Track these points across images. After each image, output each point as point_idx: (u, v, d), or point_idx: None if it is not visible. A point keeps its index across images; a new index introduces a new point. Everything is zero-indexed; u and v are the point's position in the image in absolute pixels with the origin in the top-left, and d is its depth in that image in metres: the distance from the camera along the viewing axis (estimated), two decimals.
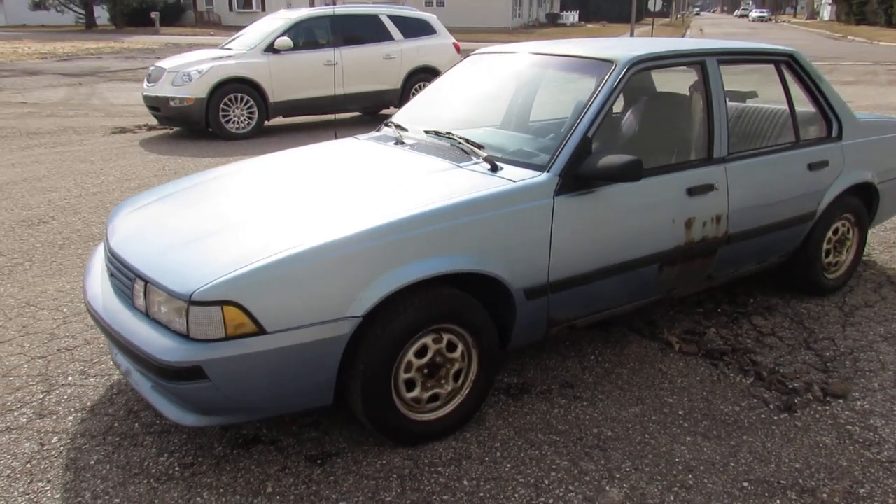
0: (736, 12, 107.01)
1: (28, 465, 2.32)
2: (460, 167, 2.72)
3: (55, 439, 2.47)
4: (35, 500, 2.16)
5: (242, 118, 8.94)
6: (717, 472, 2.33)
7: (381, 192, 2.55)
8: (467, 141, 2.86)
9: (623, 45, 3.12)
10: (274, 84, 9.05)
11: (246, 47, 9.27)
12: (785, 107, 3.60)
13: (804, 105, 3.60)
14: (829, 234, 3.65)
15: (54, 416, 2.61)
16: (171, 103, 8.66)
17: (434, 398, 2.45)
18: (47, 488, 2.21)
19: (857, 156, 3.61)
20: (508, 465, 2.35)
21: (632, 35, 29.85)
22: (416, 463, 2.36)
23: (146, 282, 2.19)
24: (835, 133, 3.57)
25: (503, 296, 2.51)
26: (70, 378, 2.89)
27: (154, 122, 9.33)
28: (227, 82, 8.74)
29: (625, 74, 2.82)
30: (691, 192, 2.93)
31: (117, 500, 2.16)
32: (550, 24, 48.39)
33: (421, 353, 2.37)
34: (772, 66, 3.45)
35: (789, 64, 3.46)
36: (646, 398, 2.78)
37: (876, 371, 2.98)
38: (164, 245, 2.36)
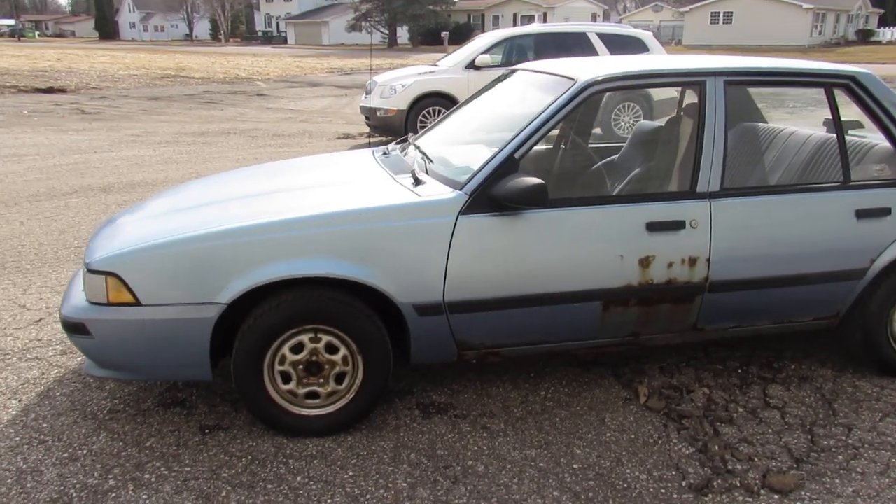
0: None
1: (19, 386, 2.93)
2: (393, 179, 2.78)
3: (54, 372, 3.06)
4: (2, 407, 2.75)
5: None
6: None
7: (298, 196, 2.73)
8: (424, 155, 2.90)
9: (612, 64, 2.87)
10: None
11: (451, 64, 9.87)
12: (868, 139, 2.99)
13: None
14: None
15: (69, 356, 3.22)
16: (378, 113, 9.56)
17: (313, 395, 2.56)
18: (13, 404, 2.78)
19: None
20: (351, 473, 2.37)
21: None
22: (279, 452, 2.49)
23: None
24: None
25: (395, 308, 2.52)
26: None
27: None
28: (426, 96, 9.41)
29: (577, 95, 2.63)
30: (652, 227, 2.61)
31: (45, 426, 2.64)
32: (860, 42, 42.52)
33: (298, 349, 2.50)
34: (822, 91, 2.88)
35: (850, 89, 2.85)
36: (554, 444, 2.55)
37: (868, 474, 2.37)
38: (121, 222, 2.81)
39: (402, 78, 9.65)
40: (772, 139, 3.57)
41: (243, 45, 56.88)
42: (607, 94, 2.82)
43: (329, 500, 2.24)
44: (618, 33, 10.32)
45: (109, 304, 2.39)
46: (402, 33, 50.78)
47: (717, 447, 2.52)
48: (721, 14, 41.46)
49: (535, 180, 2.41)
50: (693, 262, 2.65)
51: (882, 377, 3.03)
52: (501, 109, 3.28)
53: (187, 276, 2.37)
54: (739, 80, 2.78)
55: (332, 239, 2.43)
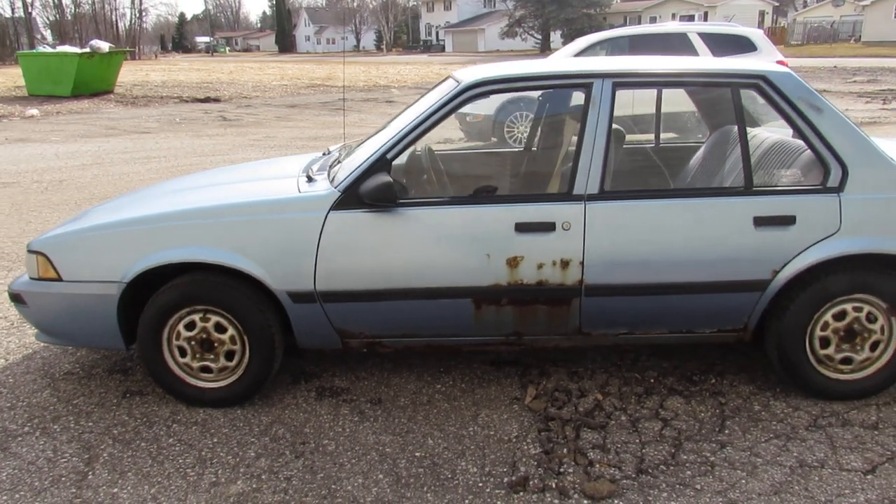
0: None
1: (15, 348, 3.49)
2: (296, 177, 3.01)
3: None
4: None
5: (525, 134, 9.60)
6: None
7: (219, 190, 3.04)
8: (338, 157, 3.11)
9: (500, 67, 2.90)
10: None
11: None
12: (799, 143, 2.81)
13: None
14: (825, 317, 2.68)
15: None
16: (468, 119, 9.80)
17: (207, 370, 2.85)
18: (0, 362, 3.35)
19: (874, 215, 2.57)
20: (215, 440, 2.64)
21: None
22: (170, 417, 2.81)
23: None
24: (832, 182, 2.61)
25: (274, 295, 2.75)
26: None
27: None
28: (514, 101, 9.50)
29: (455, 97, 2.73)
30: (521, 228, 2.63)
31: (10, 380, 3.16)
32: None
33: (191, 326, 2.81)
34: (729, 92, 2.71)
35: (760, 89, 2.66)
36: (412, 433, 2.66)
37: (703, 492, 2.24)
38: (86, 213, 3.28)
39: None
40: (737, 142, 3.38)
41: (403, 55, 59.40)
42: None
43: (181, 460, 2.52)
44: (722, 32, 9.79)
45: (40, 279, 2.84)
46: (556, 38, 50.50)
47: (564, 450, 2.49)
48: None
49: (385, 179, 2.54)
50: (565, 264, 2.64)
51: (806, 399, 2.80)
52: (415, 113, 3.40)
53: (98, 258, 2.76)
54: (629, 83, 2.71)
55: (215, 229, 2.71)
